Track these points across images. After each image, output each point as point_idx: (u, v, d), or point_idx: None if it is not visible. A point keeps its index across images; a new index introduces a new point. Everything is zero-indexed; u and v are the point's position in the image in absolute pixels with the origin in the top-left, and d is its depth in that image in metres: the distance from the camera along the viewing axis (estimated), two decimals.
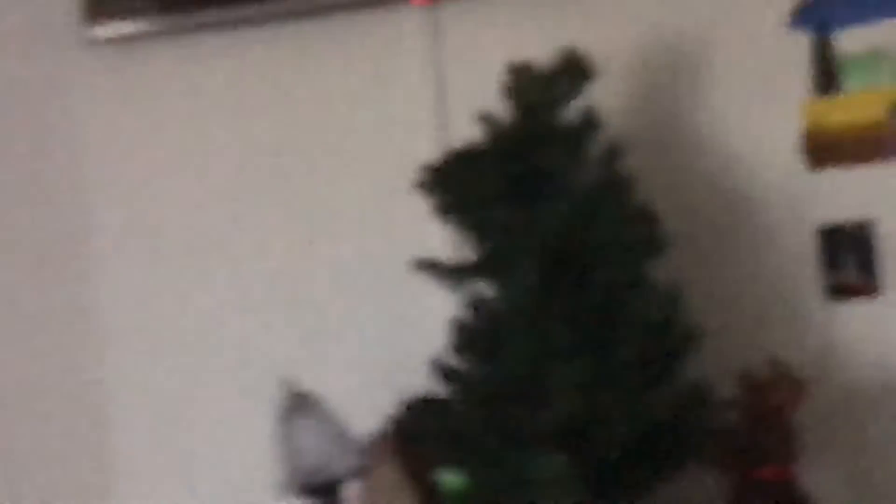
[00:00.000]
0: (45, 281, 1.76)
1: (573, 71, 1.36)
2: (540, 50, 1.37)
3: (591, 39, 1.41)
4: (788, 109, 1.49)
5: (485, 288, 1.35)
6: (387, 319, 1.57)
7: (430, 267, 1.36)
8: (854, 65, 1.48)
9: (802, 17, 1.48)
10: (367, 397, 1.45)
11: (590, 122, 1.37)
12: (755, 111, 1.52)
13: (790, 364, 1.36)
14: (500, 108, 1.37)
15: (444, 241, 1.41)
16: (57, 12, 1.74)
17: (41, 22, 1.75)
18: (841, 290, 1.46)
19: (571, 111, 1.36)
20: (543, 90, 1.36)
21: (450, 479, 1.36)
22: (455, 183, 1.37)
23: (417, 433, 1.36)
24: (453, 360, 1.36)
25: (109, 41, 1.72)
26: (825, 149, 1.46)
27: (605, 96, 1.40)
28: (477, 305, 1.38)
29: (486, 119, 1.37)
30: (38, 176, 1.78)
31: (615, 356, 1.29)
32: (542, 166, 1.34)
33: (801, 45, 1.49)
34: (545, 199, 1.33)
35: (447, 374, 1.37)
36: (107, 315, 1.77)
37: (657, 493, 1.31)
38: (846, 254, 1.45)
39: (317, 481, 1.39)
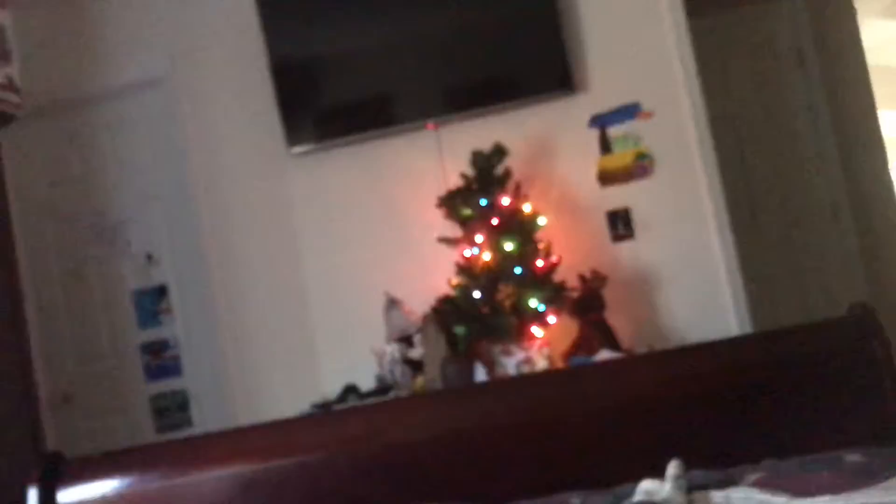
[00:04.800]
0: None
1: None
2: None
3: None
4: (592, 162, 3.34)
5: None
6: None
7: None
8: (617, 140, 3.35)
9: (594, 122, 3.34)
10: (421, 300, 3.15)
11: None
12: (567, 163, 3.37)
13: (602, 271, 3.18)
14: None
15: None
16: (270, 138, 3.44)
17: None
18: (618, 238, 3.31)
19: None
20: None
21: (459, 329, 3.05)
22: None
23: (444, 309, 3.06)
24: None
25: (302, 154, 3.41)
26: (607, 177, 3.32)
27: None
28: None
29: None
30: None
31: None
32: None
33: (594, 135, 3.35)
34: None
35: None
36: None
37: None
38: (620, 222, 3.30)
39: (401, 335, 3.07)
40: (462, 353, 2.99)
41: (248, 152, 3.54)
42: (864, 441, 1.64)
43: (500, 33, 3.33)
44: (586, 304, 3.13)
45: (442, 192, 3.17)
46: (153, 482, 1.77)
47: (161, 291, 3.63)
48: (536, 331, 3.00)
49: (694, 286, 3.29)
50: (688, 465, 1.50)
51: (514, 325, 2.96)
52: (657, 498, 1.43)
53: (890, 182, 3.97)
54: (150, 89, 3.63)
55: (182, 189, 3.59)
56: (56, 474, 1.82)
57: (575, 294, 3.10)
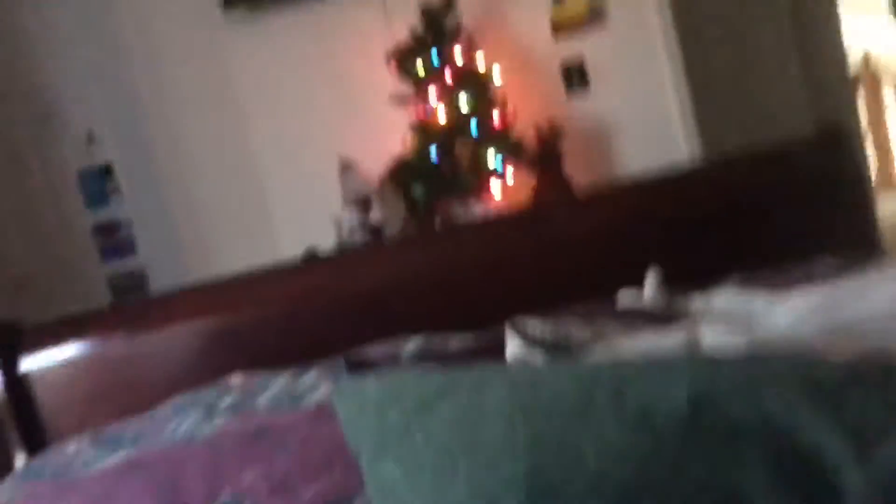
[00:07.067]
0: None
1: None
2: None
3: None
4: (545, 12, 3.24)
5: None
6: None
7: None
8: None
9: None
10: (376, 163, 3.09)
11: None
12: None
13: (558, 124, 3.13)
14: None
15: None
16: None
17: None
18: (573, 90, 3.25)
19: None
20: None
21: (417, 189, 3.02)
22: None
23: (400, 170, 3.01)
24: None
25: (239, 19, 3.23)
26: (561, 28, 3.22)
27: None
28: None
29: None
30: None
31: None
32: None
33: None
34: None
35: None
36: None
37: None
38: (575, 73, 3.24)
39: (357, 198, 3.03)
40: (421, 214, 2.97)
41: (181, 19, 3.35)
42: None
43: None
44: (543, 157, 3.10)
45: (390, 50, 3.06)
46: (117, 342, 1.74)
47: (107, 171, 3.51)
48: (495, 186, 2.97)
49: (649, 136, 3.28)
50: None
51: (473, 182, 2.93)
52: (638, 304, 1.43)
53: (839, 33, 3.91)
54: None
55: (117, 63, 3.42)
56: (15, 343, 1.78)
57: (532, 148, 3.07)
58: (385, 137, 3.09)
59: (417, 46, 3.02)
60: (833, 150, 1.77)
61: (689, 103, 3.22)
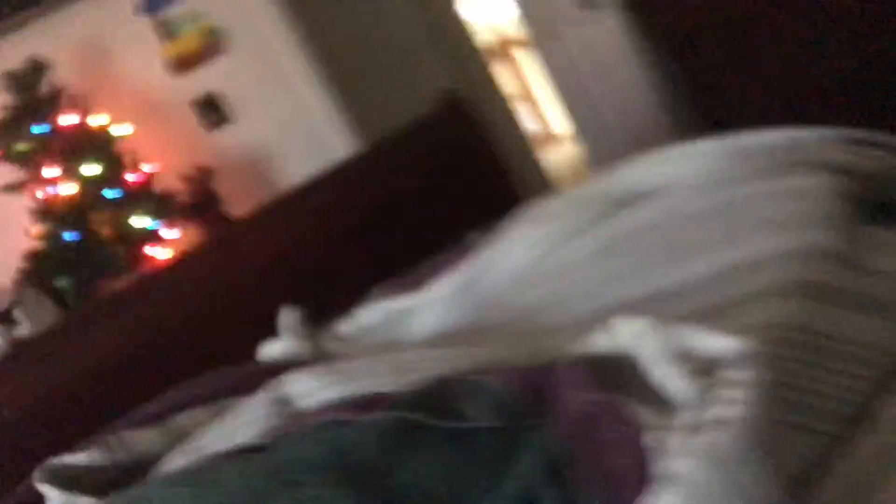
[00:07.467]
0: None
1: None
2: None
3: None
4: (157, 52, 2.92)
5: None
6: None
7: None
8: (178, 22, 2.94)
9: (143, 9, 2.89)
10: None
11: None
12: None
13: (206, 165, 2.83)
14: None
15: None
16: None
17: None
18: (213, 126, 2.96)
19: None
20: None
21: (61, 282, 2.57)
22: None
23: (36, 267, 2.54)
24: None
25: None
26: (180, 64, 2.92)
27: None
28: None
29: None
30: None
31: None
32: None
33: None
34: None
35: None
36: None
37: None
38: (210, 108, 2.96)
39: None
40: (76, 306, 2.53)
41: None
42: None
43: None
44: (198, 204, 2.78)
45: None
46: None
47: None
48: (156, 251, 2.61)
49: (309, 150, 3.07)
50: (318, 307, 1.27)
51: (123, 253, 2.54)
52: (281, 356, 1.16)
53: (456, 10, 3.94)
54: None
55: None
56: None
57: (185, 198, 2.74)
58: (5, 234, 2.60)
59: (14, 121, 2.57)
60: (455, 121, 1.68)
61: (336, 106, 3.06)
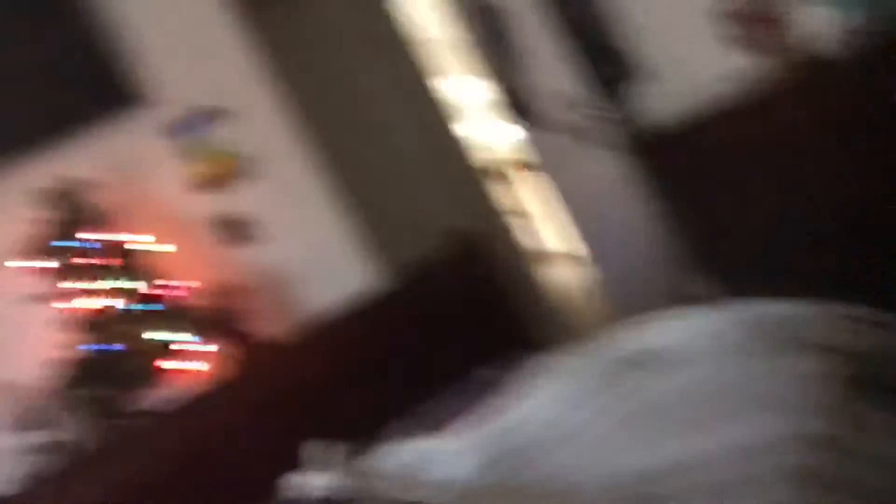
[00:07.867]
0: None
1: None
2: None
3: None
4: (183, 175, 3.11)
5: None
6: None
7: None
8: (205, 147, 3.15)
9: (173, 133, 3.09)
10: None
11: None
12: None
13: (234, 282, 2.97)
14: None
15: None
16: None
17: None
18: (241, 245, 3.12)
19: None
20: None
21: (99, 389, 2.65)
22: None
23: (77, 374, 2.63)
24: None
25: None
26: (208, 187, 3.11)
27: None
28: None
29: None
30: None
31: None
32: None
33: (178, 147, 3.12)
34: None
35: None
36: None
37: None
38: (237, 229, 3.12)
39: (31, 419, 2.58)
40: (115, 412, 2.63)
41: None
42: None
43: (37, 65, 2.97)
44: (224, 321, 2.91)
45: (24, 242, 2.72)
46: None
47: None
48: (182, 363, 2.73)
49: (331, 272, 3.24)
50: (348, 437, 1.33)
51: (150, 368, 2.66)
52: (323, 487, 1.20)
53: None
54: None
55: None
56: None
57: (212, 315, 2.88)
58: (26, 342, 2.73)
59: (59, 233, 2.74)
60: (465, 262, 1.83)
61: (356, 230, 3.25)
